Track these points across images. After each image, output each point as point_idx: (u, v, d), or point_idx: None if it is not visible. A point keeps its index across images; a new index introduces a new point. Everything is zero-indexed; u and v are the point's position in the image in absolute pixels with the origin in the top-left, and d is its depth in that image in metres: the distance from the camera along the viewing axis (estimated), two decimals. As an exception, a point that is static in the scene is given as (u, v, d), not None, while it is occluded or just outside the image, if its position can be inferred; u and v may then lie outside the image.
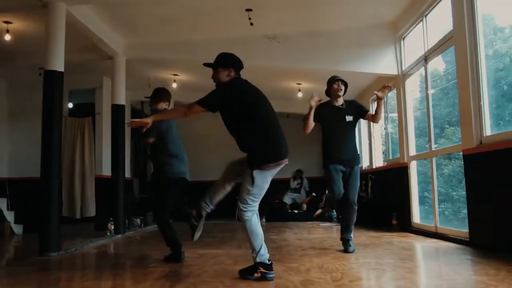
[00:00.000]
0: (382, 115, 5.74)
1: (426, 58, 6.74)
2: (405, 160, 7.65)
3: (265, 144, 3.74)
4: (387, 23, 7.88)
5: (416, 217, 7.37)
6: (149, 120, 4.16)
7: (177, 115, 4.37)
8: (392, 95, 8.80)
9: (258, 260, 3.73)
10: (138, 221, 9.58)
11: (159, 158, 5.06)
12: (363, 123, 10.44)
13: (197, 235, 4.08)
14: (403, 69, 7.81)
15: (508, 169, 4.59)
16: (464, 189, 5.60)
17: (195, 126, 11.23)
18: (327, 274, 3.91)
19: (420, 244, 6.02)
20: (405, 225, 7.49)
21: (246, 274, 3.76)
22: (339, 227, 5.69)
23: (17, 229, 9.31)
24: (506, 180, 4.64)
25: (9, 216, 9.34)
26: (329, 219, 10.39)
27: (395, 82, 8.08)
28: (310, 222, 10.66)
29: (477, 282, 3.53)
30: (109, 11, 7.12)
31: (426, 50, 6.72)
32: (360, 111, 5.51)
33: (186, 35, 8.02)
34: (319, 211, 11.27)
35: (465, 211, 5.54)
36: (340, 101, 5.45)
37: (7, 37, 7.25)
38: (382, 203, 8.63)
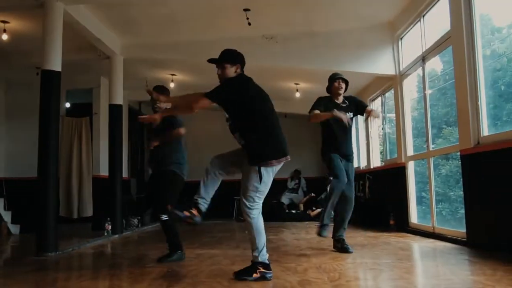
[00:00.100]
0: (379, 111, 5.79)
1: (423, 58, 6.74)
2: (403, 160, 7.65)
3: (270, 140, 3.77)
4: (384, 24, 7.89)
5: (414, 217, 7.38)
6: (157, 117, 4.14)
7: (185, 110, 4.23)
8: (390, 95, 8.81)
9: (260, 259, 3.73)
10: (136, 221, 9.56)
11: (172, 156, 5.01)
12: (361, 123, 10.45)
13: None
14: (401, 69, 7.81)
15: (506, 169, 4.59)
16: (462, 189, 5.61)
17: (195, 125, 11.25)
18: (324, 274, 3.91)
19: (418, 244, 6.02)
20: (402, 225, 7.49)
21: (243, 275, 3.72)
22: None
23: (14, 229, 9.29)
24: (503, 180, 4.64)
25: (6, 216, 9.32)
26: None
27: (393, 83, 8.10)
28: (307, 222, 10.66)
29: (474, 282, 3.53)
30: (107, 11, 7.11)
31: (423, 50, 6.72)
32: (359, 107, 5.57)
33: (184, 35, 8.02)
34: (317, 211, 11.26)
35: (463, 211, 5.54)
36: (340, 99, 5.49)
37: (4, 37, 7.23)
38: (380, 203, 8.63)
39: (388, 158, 9.07)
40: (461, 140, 5.48)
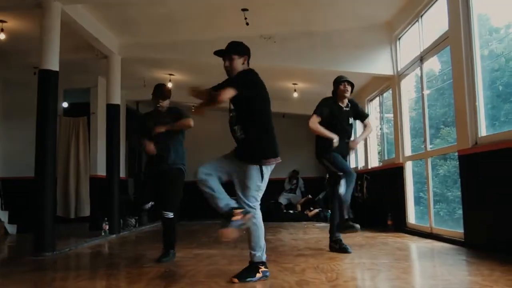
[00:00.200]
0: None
1: (421, 59, 6.74)
2: (401, 161, 7.65)
3: (270, 139, 3.79)
4: (382, 24, 7.89)
5: (411, 218, 7.38)
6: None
7: (211, 103, 3.87)
8: (388, 95, 8.82)
9: (263, 258, 3.74)
10: (133, 221, 9.56)
11: (180, 153, 5.02)
12: (359, 123, 10.44)
13: None
14: (399, 69, 7.81)
15: (503, 169, 4.59)
16: (459, 189, 5.61)
17: (195, 125, 11.22)
18: (322, 274, 3.91)
19: (415, 245, 6.03)
20: (400, 226, 7.49)
21: (246, 276, 3.66)
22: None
23: (11, 229, 9.27)
24: (501, 180, 4.64)
25: (3, 216, 9.30)
26: (325, 219, 10.39)
27: (391, 83, 8.10)
28: (305, 222, 10.67)
29: (472, 282, 3.53)
30: (104, 10, 7.10)
31: (421, 50, 6.72)
32: (359, 115, 5.65)
33: (182, 35, 8.01)
34: (314, 211, 11.27)
35: (460, 211, 5.55)
36: (345, 102, 5.48)
37: (2, 36, 7.20)
38: (377, 204, 8.64)
39: (386, 158, 9.07)
40: (459, 141, 5.48)
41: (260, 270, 3.70)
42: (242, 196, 3.70)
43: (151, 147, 4.85)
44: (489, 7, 5.58)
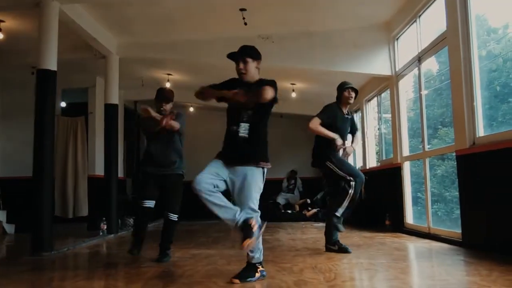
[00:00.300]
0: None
1: (419, 59, 6.75)
2: (399, 161, 7.66)
3: (267, 144, 3.85)
4: (381, 24, 7.90)
5: (409, 218, 7.39)
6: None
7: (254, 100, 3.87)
8: (386, 95, 8.82)
9: (262, 258, 3.76)
10: (131, 221, 9.54)
11: (179, 151, 5.05)
12: (358, 123, 10.44)
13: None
14: (397, 69, 7.82)
15: (501, 169, 4.60)
16: (457, 189, 5.62)
17: (195, 125, 11.25)
18: (320, 274, 3.92)
19: (413, 245, 6.03)
20: (398, 226, 7.50)
21: (247, 276, 3.65)
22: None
23: (9, 228, 9.25)
24: (499, 180, 4.65)
25: (1, 215, 9.29)
26: (323, 219, 10.38)
27: (389, 83, 8.11)
28: (303, 222, 10.67)
29: (470, 282, 3.54)
30: (103, 10, 7.10)
31: (419, 50, 6.73)
32: (352, 126, 5.72)
33: (180, 35, 8.01)
34: (312, 211, 11.27)
35: (458, 211, 5.55)
36: (347, 109, 5.52)
37: (0, 36, 7.20)
38: (375, 204, 8.64)
39: (384, 158, 9.08)
40: (456, 141, 5.49)
41: (258, 269, 3.71)
42: (247, 200, 3.63)
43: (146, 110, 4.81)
44: (487, 8, 5.59)
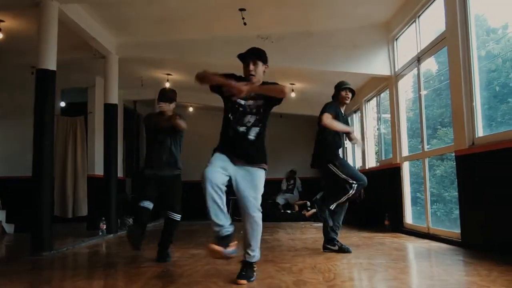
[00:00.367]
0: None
1: (419, 59, 6.76)
2: (398, 161, 7.67)
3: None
4: (380, 24, 7.90)
5: (409, 218, 7.39)
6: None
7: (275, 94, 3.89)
8: (385, 95, 8.83)
9: (260, 257, 3.77)
10: (131, 220, 9.54)
11: (176, 152, 5.05)
12: (357, 123, 10.47)
13: None
14: (396, 70, 7.82)
15: (500, 170, 4.61)
16: (456, 190, 5.62)
17: (195, 125, 11.23)
18: (319, 274, 3.92)
19: (412, 245, 6.04)
20: (397, 226, 7.51)
21: (251, 276, 3.65)
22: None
23: (9, 228, 9.24)
24: (498, 181, 4.66)
25: (1, 215, 9.27)
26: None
27: (388, 83, 8.11)
28: (303, 222, 10.67)
29: (469, 282, 3.54)
30: (102, 10, 7.10)
31: (419, 51, 6.73)
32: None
33: (180, 35, 8.01)
34: (312, 211, 11.27)
35: (457, 212, 5.56)
36: (343, 108, 5.51)
37: (-1, 35, 7.21)
38: (375, 204, 8.63)
39: (383, 158, 9.08)
40: (456, 141, 5.50)
41: (254, 268, 3.73)
42: (253, 200, 3.64)
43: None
44: (486, 8, 5.59)
